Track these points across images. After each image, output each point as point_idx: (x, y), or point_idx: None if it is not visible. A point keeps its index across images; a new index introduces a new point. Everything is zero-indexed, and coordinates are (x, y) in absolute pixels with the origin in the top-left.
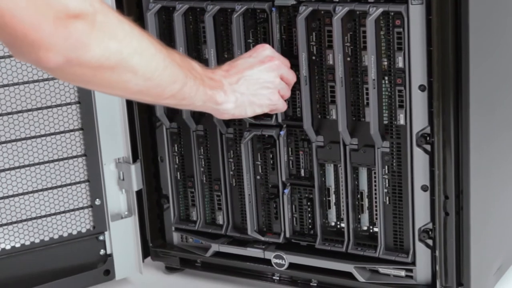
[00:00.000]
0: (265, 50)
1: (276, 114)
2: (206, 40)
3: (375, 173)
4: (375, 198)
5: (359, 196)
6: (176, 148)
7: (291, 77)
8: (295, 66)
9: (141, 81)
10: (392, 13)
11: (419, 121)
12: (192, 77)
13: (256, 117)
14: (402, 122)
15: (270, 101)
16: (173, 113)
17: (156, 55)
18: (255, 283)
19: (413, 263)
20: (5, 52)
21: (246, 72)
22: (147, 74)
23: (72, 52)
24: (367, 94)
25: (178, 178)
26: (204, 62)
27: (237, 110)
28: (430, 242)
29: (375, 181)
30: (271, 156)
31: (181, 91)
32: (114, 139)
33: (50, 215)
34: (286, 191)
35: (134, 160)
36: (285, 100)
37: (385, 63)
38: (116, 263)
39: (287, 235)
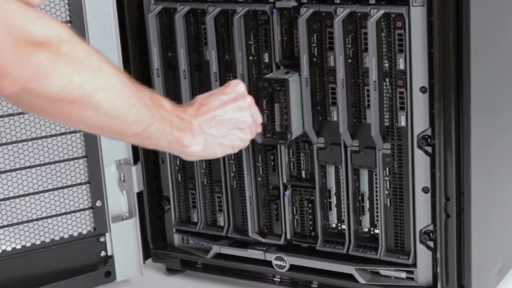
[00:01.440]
0: (238, 87)
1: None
2: (207, 41)
3: (376, 174)
4: (376, 199)
5: (360, 197)
6: None
7: (259, 118)
8: (296, 68)
9: (103, 118)
10: (393, 15)
11: (420, 123)
12: (159, 118)
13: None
14: (403, 123)
15: (242, 142)
16: None
17: (123, 92)
18: (256, 285)
19: (414, 265)
20: None
21: (218, 111)
22: (111, 112)
23: (30, 82)
24: (368, 95)
25: (179, 179)
26: (205, 63)
27: (206, 152)
28: (431, 244)
29: (376, 183)
30: (272, 157)
31: (146, 131)
32: (115, 141)
33: (51, 216)
34: (287, 192)
35: (135, 162)
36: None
37: (386, 64)
38: (117, 265)
39: (288, 236)
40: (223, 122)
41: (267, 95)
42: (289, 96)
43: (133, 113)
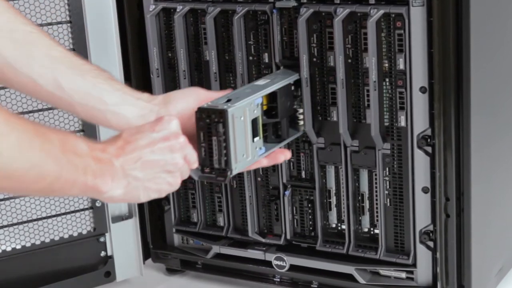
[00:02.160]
0: (170, 124)
1: None
2: (207, 41)
3: (375, 174)
4: (376, 200)
5: (360, 197)
6: None
7: (194, 158)
8: (296, 68)
9: None
10: (393, 15)
11: (420, 123)
12: (71, 169)
13: None
14: (403, 124)
15: (170, 186)
16: None
17: (23, 152)
18: (256, 285)
19: (414, 265)
20: None
21: (146, 150)
22: (6, 174)
23: None
24: (368, 95)
25: None
26: (205, 63)
27: (128, 196)
28: (431, 244)
29: (376, 183)
30: None
31: (52, 186)
32: None
33: (51, 216)
34: (287, 192)
35: None
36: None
37: (386, 65)
38: (117, 265)
39: (288, 236)
40: (150, 164)
41: (204, 126)
42: (228, 128)
43: (34, 172)
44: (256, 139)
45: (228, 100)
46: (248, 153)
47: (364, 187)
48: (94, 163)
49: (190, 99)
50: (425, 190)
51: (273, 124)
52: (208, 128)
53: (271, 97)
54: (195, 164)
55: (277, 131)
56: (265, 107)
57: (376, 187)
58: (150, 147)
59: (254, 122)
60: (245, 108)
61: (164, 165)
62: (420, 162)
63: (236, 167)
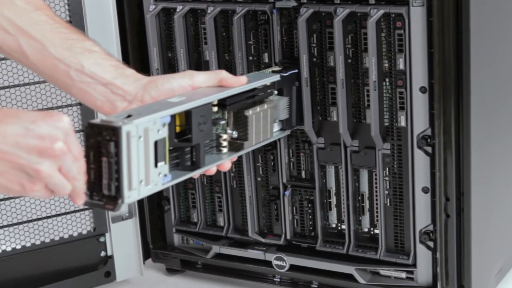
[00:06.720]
0: (60, 123)
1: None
2: (207, 41)
3: (376, 175)
4: (376, 200)
5: (360, 198)
6: None
7: (74, 172)
8: (296, 67)
9: None
10: (393, 15)
11: (420, 123)
12: None
13: None
14: (403, 124)
15: (22, 189)
16: None
17: None
18: (256, 285)
19: (414, 265)
20: None
21: (10, 139)
22: None
23: None
24: (368, 96)
25: None
26: (205, 63)
27: None
28: (431, 244)
29: (376, 183)
30: (272, 157)
31: None
32: None
33: (51, 216)
34: (287, 192)
35: None
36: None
37: (386, 65)
38: (117, 265)
39: (288, 236)
40: (8, 156)
41: (94, 145)
42: (122, 149)
43: None
44: (160, 164)
45: (129, 116)
46: (148, 180)
47: (364, 187)
48: None
49: (175, 83)
50: (425, 190)
51: (190, 149)
52: (98, 147)
53: (187, 117)
54: (78, 183)
55: (192, 158)
56: (178, 129)
57: (376, 187)
58: (16, 138)
59: (160, 144)
60: (146, 127)
61: (24, 166)
62: (420, 162)
63: (130, 196)
